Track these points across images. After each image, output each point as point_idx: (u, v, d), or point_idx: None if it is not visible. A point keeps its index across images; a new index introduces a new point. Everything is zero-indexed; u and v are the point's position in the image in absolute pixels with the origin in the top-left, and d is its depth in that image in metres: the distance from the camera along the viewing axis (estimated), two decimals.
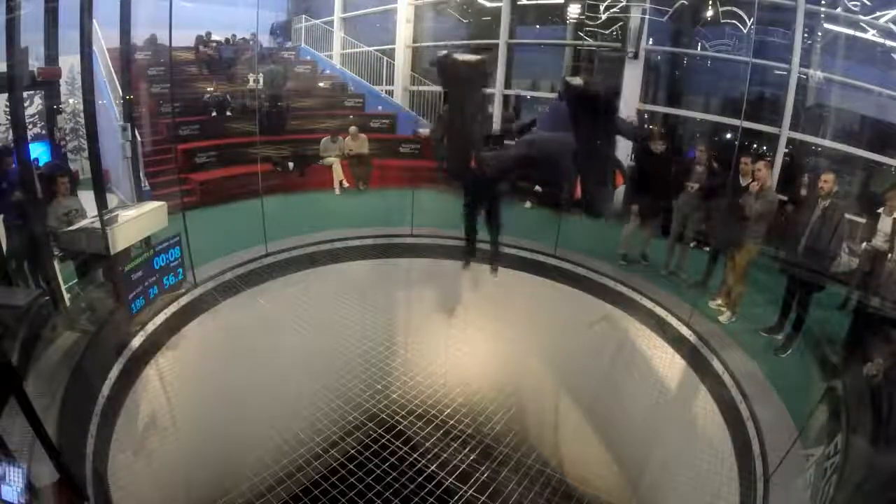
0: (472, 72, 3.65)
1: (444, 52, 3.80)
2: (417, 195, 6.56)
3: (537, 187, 8.07)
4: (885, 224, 4.75)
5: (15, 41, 4.02)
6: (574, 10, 8.52)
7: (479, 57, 3.86)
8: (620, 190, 8.04)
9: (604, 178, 3.29)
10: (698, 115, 7.94)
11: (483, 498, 4.42)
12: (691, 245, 6.12)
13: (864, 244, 4.96)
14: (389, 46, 10.55)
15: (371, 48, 10.85)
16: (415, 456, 4.77)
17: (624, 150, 8.18)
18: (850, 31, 6.47)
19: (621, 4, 7.86)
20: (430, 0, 10.22)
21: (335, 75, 11.15)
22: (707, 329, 4.86)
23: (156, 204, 4.97)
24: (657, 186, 6.01)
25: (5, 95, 4.30)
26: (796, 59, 6.68)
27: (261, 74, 9.25)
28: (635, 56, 7.77)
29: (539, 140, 3.48)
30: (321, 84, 10.91)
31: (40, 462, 2.73)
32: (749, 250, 5.08)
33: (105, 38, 6.88)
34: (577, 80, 3.32)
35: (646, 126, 7.50)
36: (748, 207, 4.94)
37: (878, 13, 6.26)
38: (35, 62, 4.73)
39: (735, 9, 7.24)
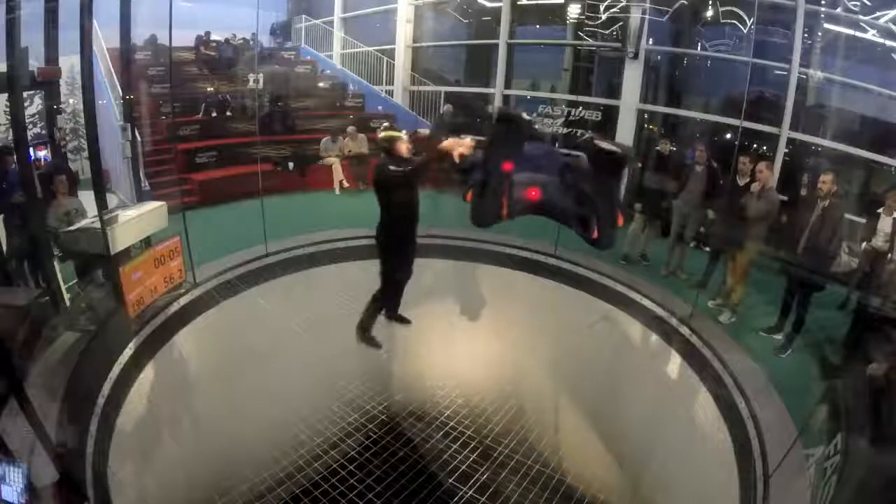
0: (527, 129, 3.86)
1: (511, 109, 4.10)
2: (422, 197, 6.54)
3: None
4: (885, 224, 4.75)
5: (15, 41, 4.03)
6: (574, 10, 8.53)
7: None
8: (622, 190, 8.11)
9: (613, 222, 3.49)
10: (698, 115, 7.94)
11: (483, 499, 4.42)
12: (691, 245, 6.12)
13: (864, 244, 4.96)
14: (389, 46, 10.56)
15: (371, 48, 10.86)
16: (415, 457, 4.76)
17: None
18: (850, 31, 6.47)
19: (621, 4, 7.86)
20: (430, 0, 10.23)
21: (335, 75, 11.15)
22: (707, 329, 4.85)
23: (156, 204, 4.97)
24: (665, 187, 6.03)
25: (5, 95, 4.30)
26: (796, 59, 6.68)
27: (261, 74, 9.25)
28: (635, 56, 7.78)
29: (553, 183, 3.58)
30: (321, 84, 10.91)
31: (40, 462, 2.73)
32: (749, 250, 5.08)
33: (105, 38, 6.87)
34: (615, 148, 3.48)
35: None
36: (749, 208, 4.94)
37: (878, 13, 6.26)
38: (35, 62, 4.73)
39: (735, 9, 7.24)
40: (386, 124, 4.11)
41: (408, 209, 3.86)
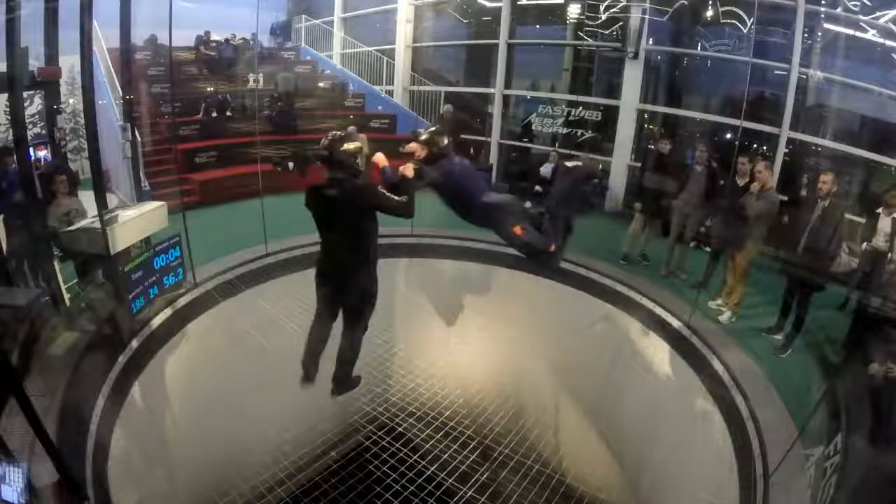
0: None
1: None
2: (417, 195, 6.53)
3: (537, 187, 8.09)
4: (885, 224, 4.75)
5: (15, 41, 4.04)
6: (574, 10, 8.53)
7: None
8: (621, 190, 8.15)
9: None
10: (698, 115, 7.94)
11: (483, 499, 4.42)
12: (691, 245, 6.12)
13: (864, 244, 4.96)
14: (389, 46, 10.56)
15: (371, 48, 10.86)
16: (415, 457, 4.76)
17: (626, 149, 8.24)
18: (850, 31, 6.48)
19: (621, 4, 7.87)
20: (430, 0, 10.23)
21: (335, 75, 11.15)
22: (707, 329, 4.85)
23: (156, 204, 4.97)
24: (665, 187, 6.03)
25: (5, 95, 4.31)
26: (796, 59, 6.68)
27: (261, 74, 9.25)
28: (635, 56, 7.78)
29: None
30: (321, 84, 10.91)
31: (40, 462, 2.73)
32: (749, 250, 5.08)
33: (105, 38, 6.88)
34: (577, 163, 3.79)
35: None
36: (749, 208, 4.94)
37: (878, 13, 6.26)
38: (35, 62, 4.74)
39: (735, 9, 7.25)
40: (342, 133, 3.47)
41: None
